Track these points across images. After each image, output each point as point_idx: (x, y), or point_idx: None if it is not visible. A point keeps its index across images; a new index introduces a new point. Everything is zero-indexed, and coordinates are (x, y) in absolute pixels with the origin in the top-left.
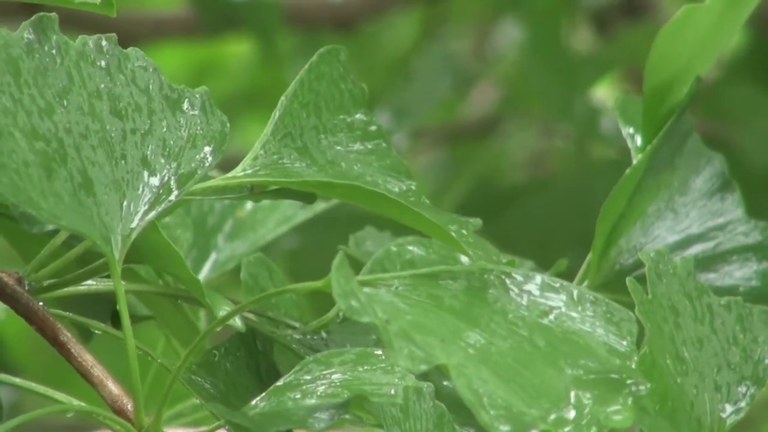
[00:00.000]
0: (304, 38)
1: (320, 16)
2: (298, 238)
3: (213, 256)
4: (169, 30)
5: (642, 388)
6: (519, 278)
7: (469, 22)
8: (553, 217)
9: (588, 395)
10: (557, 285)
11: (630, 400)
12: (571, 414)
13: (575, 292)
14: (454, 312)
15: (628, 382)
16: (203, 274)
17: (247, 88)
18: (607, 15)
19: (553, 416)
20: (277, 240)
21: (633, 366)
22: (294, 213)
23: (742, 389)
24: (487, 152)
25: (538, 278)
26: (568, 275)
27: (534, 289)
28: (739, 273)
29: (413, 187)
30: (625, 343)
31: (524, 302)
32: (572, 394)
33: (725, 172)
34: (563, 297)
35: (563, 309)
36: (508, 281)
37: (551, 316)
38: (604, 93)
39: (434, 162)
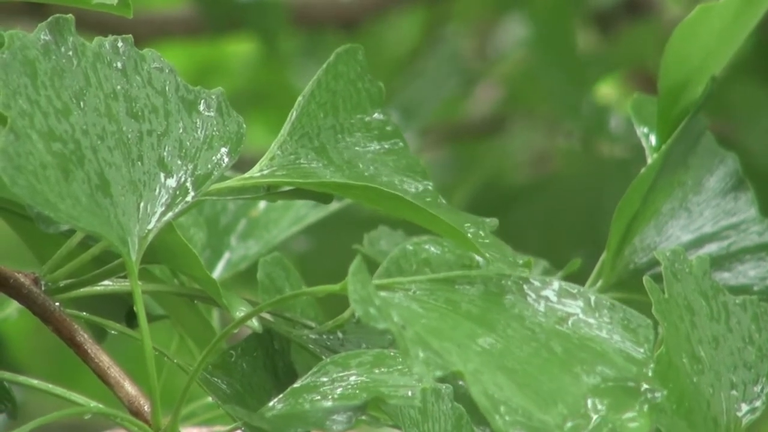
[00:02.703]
0: (307, 38)
1: (324, 15)
2: (310, 238)
3: (226, 256)
4: (172, 29)
5: (658, 395)
6: (536, 284)
7: (472, 21)
8: (559, 216)
9: (604, 402)
10: (574, 291)
11: (646, 408)
12: (587, 421)
13: (592, 299)
14: (470, 317)
15: (645, 389)
16: (216, 274)
17: (250, 87)
18: (610, 15)
19: (569, 423)
20: (291, 239)
21: (649, 374)
22: (307, 213)
23: (758, 388)
24: (492, 151)
25: (556, 284)
26: (578, 274)
27: (551, 295)
28: (753, 272)
29: (430, 188)
30: (641, 350)
31: (541, 308)
32: (589, 401)
33: (738, 171)
34: (580, 303)
35: (580, 315)
36: (525, 287)
37: (568, 323)
38: (608, 92)
39: (439, 161)
